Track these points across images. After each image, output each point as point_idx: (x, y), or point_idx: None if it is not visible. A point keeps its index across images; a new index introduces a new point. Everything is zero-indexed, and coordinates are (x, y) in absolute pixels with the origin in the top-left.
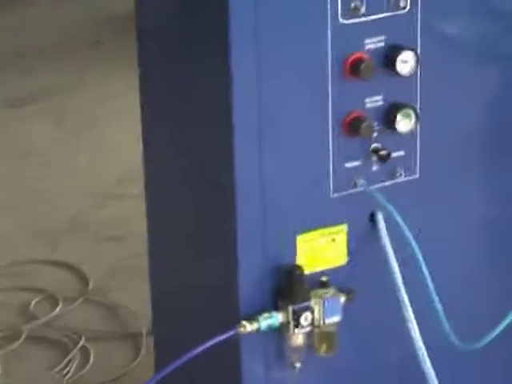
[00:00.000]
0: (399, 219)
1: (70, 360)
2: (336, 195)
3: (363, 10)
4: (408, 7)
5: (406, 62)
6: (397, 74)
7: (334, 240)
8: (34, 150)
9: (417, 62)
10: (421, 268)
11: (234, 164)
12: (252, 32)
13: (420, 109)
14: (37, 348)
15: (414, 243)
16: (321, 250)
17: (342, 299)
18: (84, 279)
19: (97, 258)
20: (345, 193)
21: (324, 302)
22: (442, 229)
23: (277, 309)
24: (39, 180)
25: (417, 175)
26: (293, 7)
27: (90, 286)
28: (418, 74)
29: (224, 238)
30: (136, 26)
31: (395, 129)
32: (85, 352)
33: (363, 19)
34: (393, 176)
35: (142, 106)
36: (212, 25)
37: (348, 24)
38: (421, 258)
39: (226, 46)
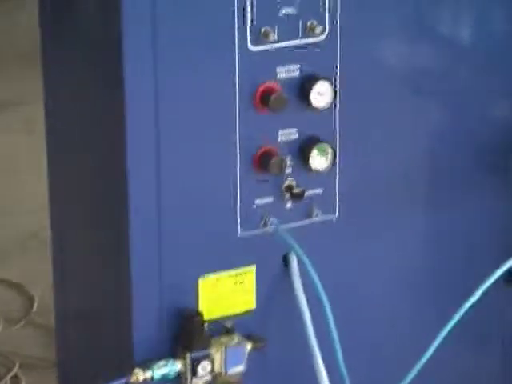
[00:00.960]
0: (307, 262)
1: None
2: (244, 234)
3: (274, 36)
4: (326, 34)
5: (321, 94)
6: (311, 106)
7: (241, 283)
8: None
9: (334, 93)
10: (326, 315)
11: (129, 196)
12: (150, 60)
13: (339, 144)
14: None
15: (320, 289)
16: (227, 293)
17: (248, 347)
18: (30, 300)
19: (46, 278)
20: (254, 232)
21: (226, 351)
22: (361, 273)
23: (175, 356)
24: None
25: (335, 215)
26: (196, 32)
27: (35, 307)
28: (337, 106)
29: (118, 276)
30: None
31: (310, 166)
32: (16, 381)
33: (275, 46)
34: (309, 215)
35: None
36: (105, 59)
37: (258, 51)
38: (329, 312)
39: (119, 78)
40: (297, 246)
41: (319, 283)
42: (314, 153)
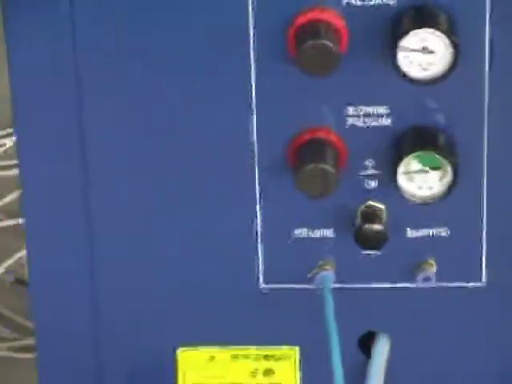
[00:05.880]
0: (336, 355)
1: None
2: (270, 287)
3: None
4: None
5: (424, 52)
6: (402, 73)
7: (270, 372)
8: None
9: (456, 56)
10: None
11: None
12: None
13: (487, 151)
14: None
15: None
16: (233, 380)
17: None
18: None
19: None
20: (288, 286)
21: None
22: None
23: None
24: None
25: (479, 281)
26: None
27: None
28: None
29: None
30: None
31: (399, 187)
32: None
33: None
34: (412, 274)
35: None
36: None
37: None
38: None
39: None
40: (333, 323)
41: None
42: (409, 164)
